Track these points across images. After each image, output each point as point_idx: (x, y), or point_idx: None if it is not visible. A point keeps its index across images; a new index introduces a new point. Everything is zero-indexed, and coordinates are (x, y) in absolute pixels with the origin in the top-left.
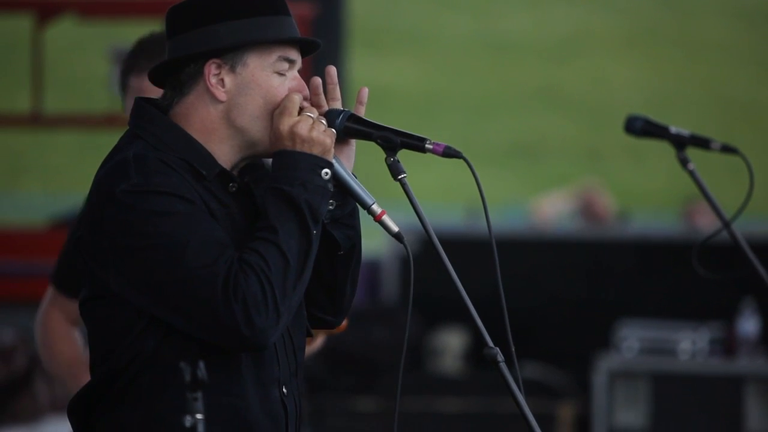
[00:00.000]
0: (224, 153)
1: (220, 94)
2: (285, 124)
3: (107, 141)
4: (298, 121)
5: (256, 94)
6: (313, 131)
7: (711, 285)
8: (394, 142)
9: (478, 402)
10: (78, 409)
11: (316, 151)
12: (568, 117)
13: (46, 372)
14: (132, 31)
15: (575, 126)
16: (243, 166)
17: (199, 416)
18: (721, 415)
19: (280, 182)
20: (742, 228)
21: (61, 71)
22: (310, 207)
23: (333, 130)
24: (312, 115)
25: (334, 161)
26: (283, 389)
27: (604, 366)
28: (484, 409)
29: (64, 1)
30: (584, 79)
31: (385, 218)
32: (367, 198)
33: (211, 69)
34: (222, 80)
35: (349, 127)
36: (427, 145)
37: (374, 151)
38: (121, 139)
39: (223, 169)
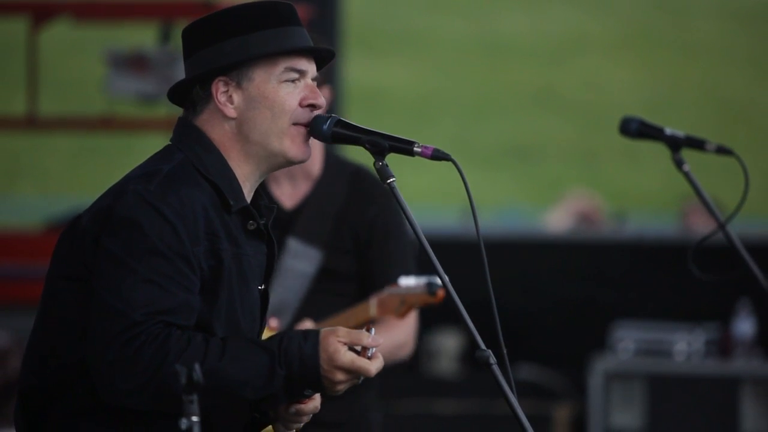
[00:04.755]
0: (245, 174)
1: (230, 111)
2: (342, 341)
3: (103, 144)
4: (348, 357)
5: (263, 106)
6: (341, 375)
7: (706, 286)
8: (382, 146)
9: (474, 404)
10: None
11: (326, 382)
12: (565, 119)
13: None
14: (127, 34)
15: (571, 128)
16: (257, 205)
17: (194, 418)
18: (717, 417)
19: (283, 352)
20: (738, 229)
21: (56, 74)
22: (269, 396)
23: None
24: (370, 368)
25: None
26: None
27: (600, 367)
28: (480, 410)
29: (59, 3)
30: (580, 81)
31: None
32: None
33: (218, 87)
34: (231, 97)
35: (337, 133)
36: (415, 149)
37: (363, 156)
38: (160, 150)
39: (246, 206)
